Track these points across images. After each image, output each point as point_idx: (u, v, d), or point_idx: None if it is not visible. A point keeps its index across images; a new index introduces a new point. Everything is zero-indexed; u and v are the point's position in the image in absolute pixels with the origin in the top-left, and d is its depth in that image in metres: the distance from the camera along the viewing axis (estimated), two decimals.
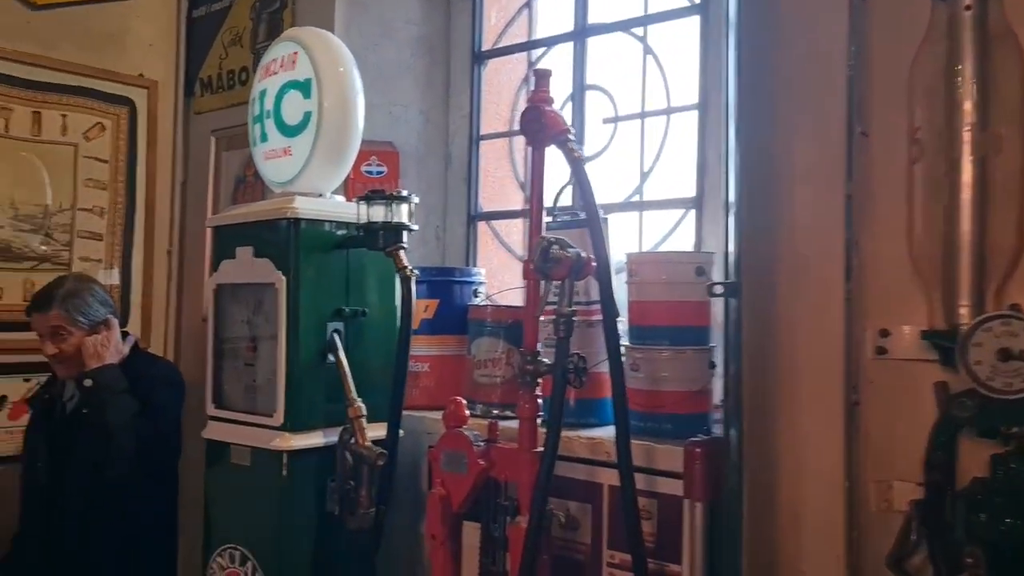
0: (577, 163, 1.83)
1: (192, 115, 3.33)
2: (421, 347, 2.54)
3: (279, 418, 2.09)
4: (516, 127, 2.97)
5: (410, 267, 2.10)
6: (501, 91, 3.00)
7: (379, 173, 2.80)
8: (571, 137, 1.85)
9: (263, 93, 2.31)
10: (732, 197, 1.57)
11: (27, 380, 2.93)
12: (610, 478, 1.99)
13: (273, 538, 2.12)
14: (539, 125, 1.87)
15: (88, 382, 2.40)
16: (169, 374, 2.63)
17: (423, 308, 2.56)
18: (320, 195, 2.25)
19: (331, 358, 2.14)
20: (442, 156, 3.02)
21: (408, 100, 2.95)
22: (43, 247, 2.99)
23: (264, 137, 2.31)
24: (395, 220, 2.10)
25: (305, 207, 2.13)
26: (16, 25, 2.93)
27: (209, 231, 2.38)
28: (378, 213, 2.11)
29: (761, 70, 1.62)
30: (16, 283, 2.89)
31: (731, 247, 1.55)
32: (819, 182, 1.56)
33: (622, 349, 1.89)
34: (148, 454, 2.41)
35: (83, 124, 3.08)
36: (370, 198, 2.11)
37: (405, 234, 2.13)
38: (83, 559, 2.42)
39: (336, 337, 2.16)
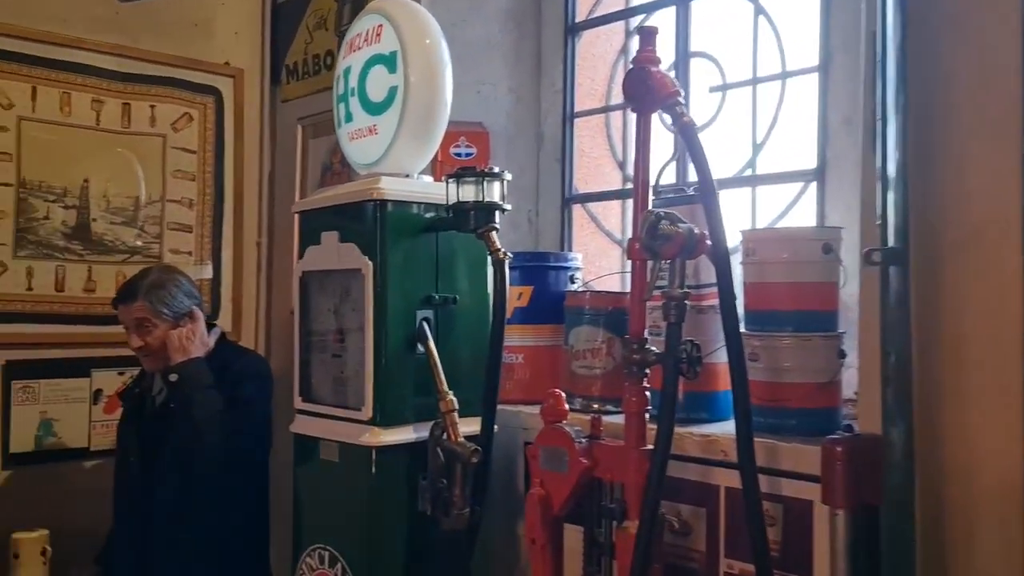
0: (688, 128, 1.65)
1: (278, 103, 3.27)
2: (515, 337, 2.39)
3: (367, 412, 1.97)
4: (613, 102, 2.80)
5: (503, 249, 1.94)
6: (596, 65, 2.82)
7: (468, 155, 2.66)
8: (680, 100, 1.67)
9: (347, 70, 2.20)
10: (891, 158, 1.35)
11: (121, 374, 2.92)
12: (727, 479, 1.80)
13: (362, 539, 2.00)
14: (645, 88, 1.69)
15: (173, 377, 2.34)
16: (257, 366, 2.55)
17: (516, 296, 2.41)
18: (407, 176, 2.12)
19: (420, 348, 2.01)
20: (534, 136, 2.86)
21: (497, 78, 2.80)
22: (135, 240, 2.97)
23: (349, 117, 2.20)
24: (486, 199, 1.95)
25: (392, 188, 2.00)
26: (106, 17, 2.92)
27: (296, 217, 2.28)
28: (468, 192, 1.97)
29: (925, 11, 1.39)
30: (109, 276, 2.88)
31: (891, 214, 1.32)
32: (991, 138, 1.32)
33: None
34: (236, 448, 2.34)
35: (171, 115, 3.05)
36: (460, 176, 1.97)
37: (498, 214, 1.97)
38: (174, 554, 2.36)
39: (425, 326, 2.03)
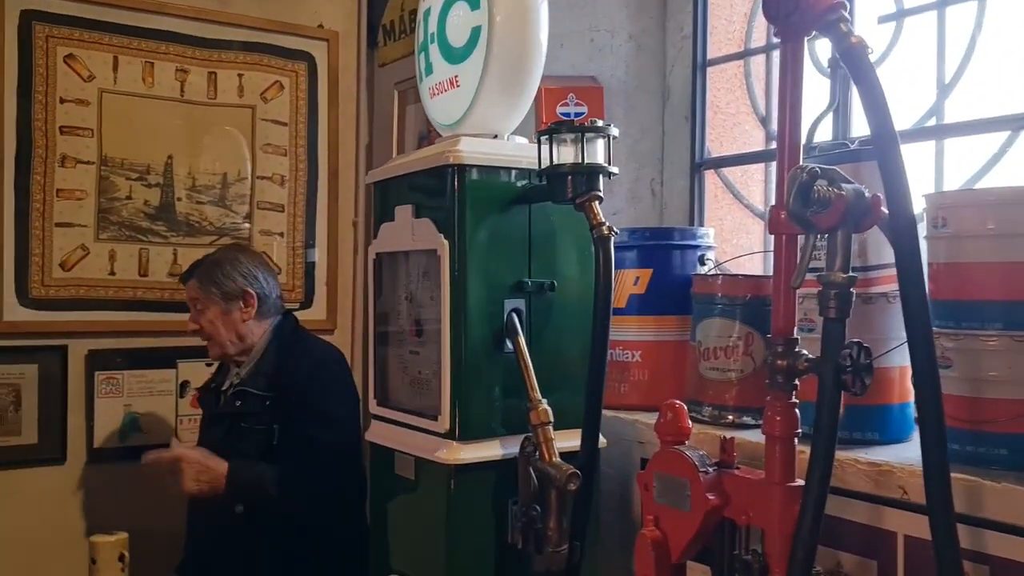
0: (856, 53, 1.19)
1: (375, 68, 2.97)
2: (631, 330, 2.01)
3: (444, 422, 1.63)
4: (753, 45, 2.32)
5: (607, 223, 1.54)
6: (733, 2, 2.35)
7: (579, 115, 2.26)
8: (844, 14, 1.21)
9: (427, 13, 1.86)
10: None
11: (209, 365, 2.71)
12: (907, 525, 1.38)
13: (441, 569, 1.67)
14: (794, 4, 1.25)
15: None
16: (330, 370, 2.25)
17: (632, 280, 2.02)
18: (494, 136, 1.75)
19: (509, 346, 1.65)
20: (658, 91, 2.42)
21: (614, 23, 2.38)
22: (223, 220, 2.76)
23: (429, 68, 1.85)
24: (587, 161, 1.55)
25: (473, 151, 1.65)
26: None
27: (372, 190, 1.96)
28: (567, 153, 1.58)
29: None
30: (194, 259, 2.67)
31: None
32: None
33: None
34: (327, 467, 2.08)
35: (260, 84, 2.81)
36: (554, 132, 1.58)
37: (601, 180, 1.57)
38: (251, 567, 2.12)
39: (515, 318, 1.66)
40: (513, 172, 1.68)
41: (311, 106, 2.90)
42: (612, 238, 1.53)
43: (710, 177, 2.34)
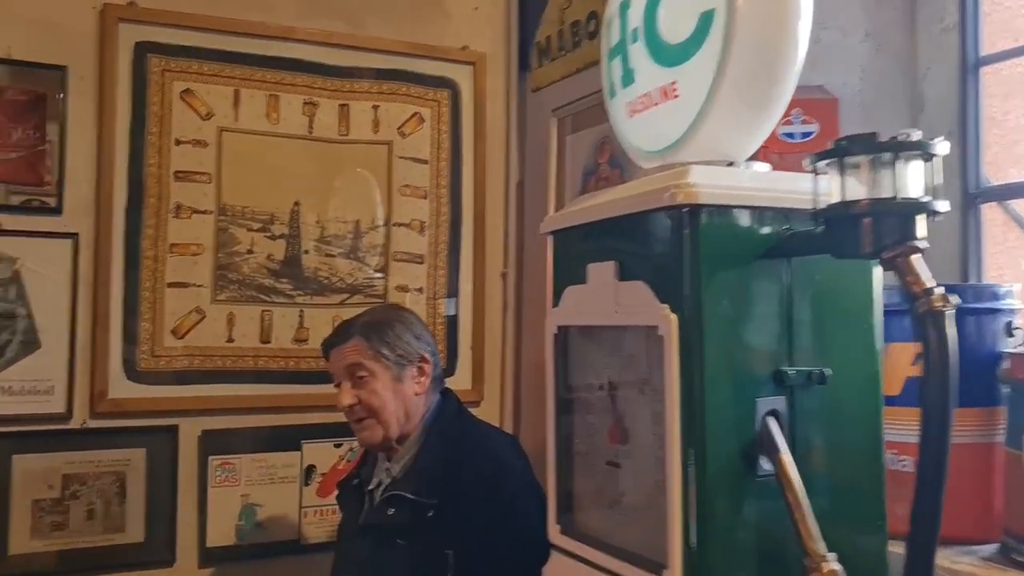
0: None
1: (527, 93, 2.53)
2: (907, 427, 1.45)
3: None
4: None
5: (939, 289, 0.99)
6: None
7: (806, 135, 1.73)
8: None
9: (624, 5, 1.38)
10: None
11: (337, 446, 2.31)
12: None
13: None
14: None
15: (391, 511, 1.68)
16: (519, 475, 1.76)
17: (908, 358, 1.46)
18: (730, 164, 1.25)
19: (766, 466, 1.12)
20: (906, 100, 1.86)
21: (846, 19, 1.85)
22: (355, 275, 2.36)
23: (628, 77, 1.37)
24: (901, 195, 1.02)
25: (710, 184, 1.14)
26: (319, 1, 2.35)
27: (548, 241, 1.48)
28: (856, 184, 1.05)
29: None
30: (324, 322, 2.28)
31: None
32: None
33: None
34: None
35: (397, 116, 2.42)
36: (842, 152, 1.06)
37: (923, 223, 1.03)
38: None
39: (772, 425, 1.14)
40: (763, 213, 1.17)
41: (454, 140, 2.49)
42: (947, 313, 0.98)
43: (990, 211, 1.75)
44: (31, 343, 2.04)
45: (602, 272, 1.28)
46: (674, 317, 1.13)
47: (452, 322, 2.46)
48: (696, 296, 1.13)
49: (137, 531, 2.11)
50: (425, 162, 2.45)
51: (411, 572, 1.65)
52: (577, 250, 1.37)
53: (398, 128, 2.42)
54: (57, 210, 2.06)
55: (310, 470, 2.29)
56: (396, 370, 1.76)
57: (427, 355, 1.80)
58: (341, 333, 1.79)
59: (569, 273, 1.38)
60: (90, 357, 2.08)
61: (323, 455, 2.30)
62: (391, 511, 1.69)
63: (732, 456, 1.13)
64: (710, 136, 1.24)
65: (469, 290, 2.48)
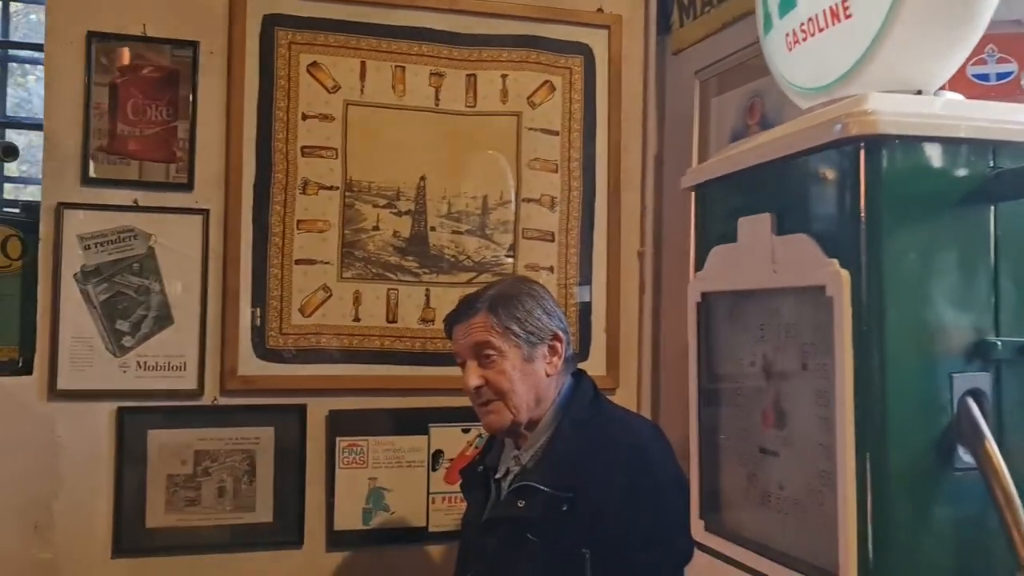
0: None
1: (667, 57, 2.35)
2: None
3: None
4: None
5: None
6: None
7: (1002, 76, 1.47)
8: None
9: None
10: None
11: (466, 431, 2.22)
12: None
13: None
14: None
15: (521, 503, 1.55)
16: (666, 468, 1.59)
17: None
18: (917, 92, 1.04)
19: (965, 457, 0.91)
20: None
21: None
22: (482, 253, 2.25)
23: (788, 2, 1.17)
24: None
25: (892, 112, 0.94)
26: None
27: (691, 199, 1.31)
28: None
29: None
30: (451, 301, 2.14)
31: None
32: None
33: None
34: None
35: (527, 85, 2.30)
36: None
37: None
38: None
39: (973, 407, 0.92)
40: (967, 150, 0.95)
41: (587, 110, 2.34)
42: None
43: None
44: (165, 319, 2.05)
45: (756, 226, 1.09)
46: (845, 274, 0.94)
47: (585, 304, 2.31)
48: (875, 248, 0.93)
49: (266, 511, 2.09)
50: (556, 133, 2.31)
51: (543, 571, 1.51)
52: (725, 204, 1.19)
53: (528, 98, 2.30)
54: (189, 186, 2.07)
55: (437, 455, 2.20)
56: (526, 349, 1.62)
57: (560, 333, 1.66)
58: (466, 307, 1.67)
59: (715, 231, 1.20)
60: (220, 334, 2.07)
61: (451, 440, 2.21)
62: (521, 503, 1.55)
63: (921, 445, 0.93)
64: (889, 64, 1.03)
65: (603, 270, 2.33)
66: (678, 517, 1.48)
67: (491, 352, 1.61)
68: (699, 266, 1.23)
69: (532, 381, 1.61)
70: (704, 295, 1.22)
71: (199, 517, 2.04)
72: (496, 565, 1.58)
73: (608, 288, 2.32)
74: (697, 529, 1.22)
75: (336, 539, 2.12)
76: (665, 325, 2.32)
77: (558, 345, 1.65)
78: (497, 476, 1.68)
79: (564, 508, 1.50)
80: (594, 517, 1.49)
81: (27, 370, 1.98)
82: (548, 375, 1.63)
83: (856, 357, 0.93)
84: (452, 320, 1.69)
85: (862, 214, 0.93)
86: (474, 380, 1.62)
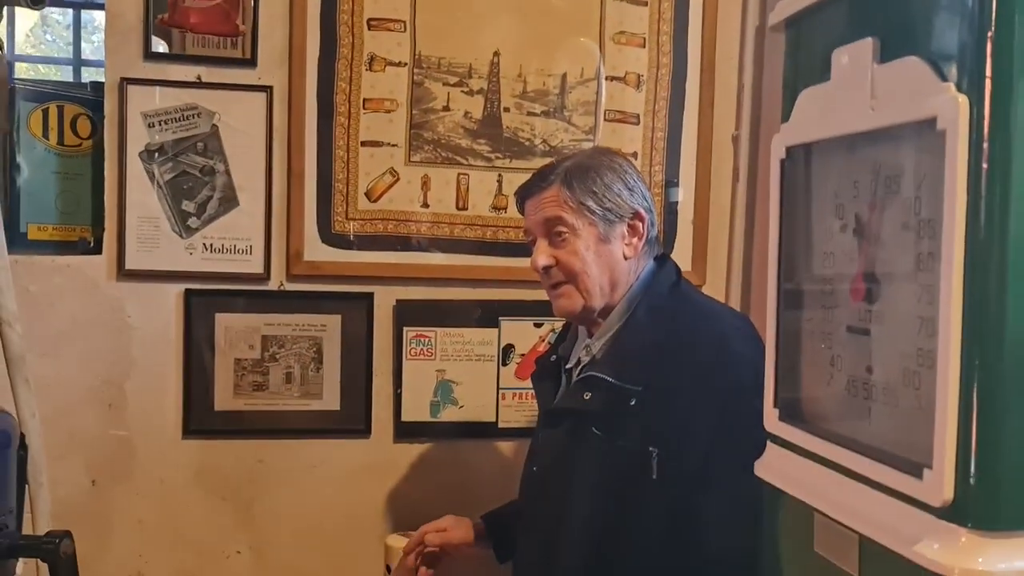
0: None
1: None
2: None
3: (942, 486, 0.76)
4: None
5: None
6: None
7: None
8: None
9: None
10: None
11: (538, 326, 2.11)
12: None
13: None
14: None
15: (587, 395, 1.43)
16: (757, 366, 1.42)
17: None
18: None
19: None
20: None
21: None
22: (559, 136, 2.09)
23: None
24: None
25: None
26: None
27: (782, 38, 1.11)
28: None
29: None
30: None
31: None
32: None
33: None
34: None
35: None
36: None
37: None
38: None
39: None
40: None
41: None
42: None
43: None
44: (230, 200, 1.99)
45: (854, 56, 0.90)
46: (963, 100, 0.75)
47: (671, 193, 2.13)
48: (1004, 67, 0.74)
49: (333, 399, 2.05)
50: (644, 4, 2.10)
51: (606, 469, 1.39)
52: (819, 36, 1.00)
53: None
54: (252, 62, 1.98)
55: (508, 350, 2.10)
56: (602, 227, 1.46)
57: (641, 211, 1.49)
58: (539, 179, 1.52)
59: (806, 71, 1.01)
60: (286, 217, 2.01)
61: (522, 334, 2.10)
62: (587, 395, 1.43)
63: None
64: None
65: (692, 156, 2.13)
66: (759, 427, 1.34)
67: (563, 230, 1.47)
68: (785, 115, 1.05)
69: (607, 263, 1.47)
70: (789, 150, 1.04)
71: (266, 402, 2.02)
72: (559, 458, 1.48)
73: (697, 176, 2.13)
74: (771, 419, 1.07)
75: (403, 430, 2.07)
76: (760, 218, 2.12)
77: (639, 225, 1.49)
78: (568, 366, 1.56)
79: (632, 403, 1.37)
80: (666, 415, 1.36)
81: (98, 250, 1.98)
82: (626, 257, 1.48)
83: (971, 207, 0.75)
84: (523, 193, 1.56)
85: (985, 26, 0.74)
86: (543, 260, 1.49)
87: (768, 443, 1.09)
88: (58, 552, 1.35)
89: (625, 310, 1.49)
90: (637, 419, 1.36)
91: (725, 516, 1.29)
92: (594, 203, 1.45)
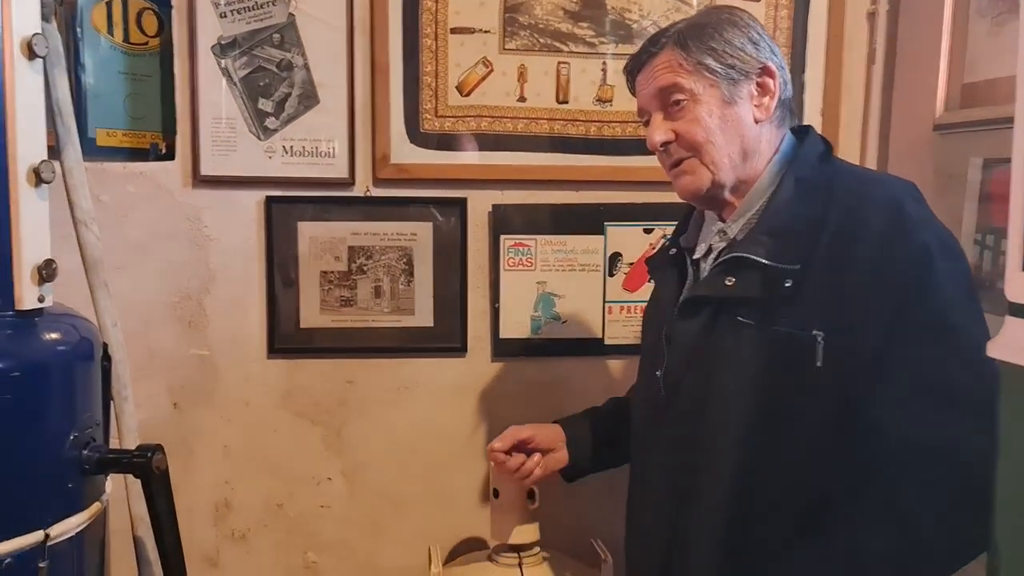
0: None
1: None
2: None
3: None
4: None
5: None
6: None
7: None
8: None
9: None
10: None
11: (648, 232, 1.91)
12: None
13: None
14: None
15: (730, 280, 1.23)
16: (931, 227, 1.17)
17: None
18: None
19: None
20: None
21: None
22: (671, 15, 1.86)
23: None
24: None
25: None
26: None
27: None
28: None
29: None
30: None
31: None
32: None
33: None
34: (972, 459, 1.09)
35: None
36: None
37: None
38: (730, 547, 1.24)
39: None
40: None
41: None
42: None
43: None
44: (310, 98, 1.82)
45: None
46: None
47: (797, 76, 1.89)
48: None
49: (426, 314, 1.89)
50: None
51: (759, 360, 1.19)
52: None
53: None
54: None
55: (615, 258, 1.91)
56: (726, 88, 1.24)
57: (771, 65, 1.25)
58: (649, 45, 1.29)
59: None
60: (370, 116, 1.83)
61: (630, 241, 1.91)
62: (730, 280, 1.23)
63: None
64: None
65: (822, 35, 1.89)
66: (958, 296, 1.14)
67: (680, 96, 1.25)
68: None
69: (736, 129, 1.25)
70: None
71: (355, 318, 1.87)
72: (697, 353, 1.27)
73: (828, 58, 1.89)
74: (1015, 285, 0.86)
75: (502, 347, 1.91)
76: (898, 105, 1.87)
77: (769, 81, 1.25)
78: (696, 257, 1.36)
79: (787, 284, 1.17)
80: (828, 294, 1.14)
81: (170, 156, 1.83)
82: (757, 121, 1.25)
83: None
84: (633, 65, 1.33)
85: None
86: (659, 135, 1.27)
87: (1008, 317, 0.88)
88: (150, 466, 1.22)
89: (768, 184, 1.27)
90: (793, 302, 1.16)
91: (918, 398, 1.09)
92: (714, 61, 1.23)
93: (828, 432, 1.16)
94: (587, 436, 1.59)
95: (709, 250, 1.33)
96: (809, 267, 1.16)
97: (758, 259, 1.19)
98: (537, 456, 1.55)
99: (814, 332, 1.14)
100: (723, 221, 1.32)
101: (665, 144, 1.27)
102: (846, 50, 1.89)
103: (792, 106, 1.32)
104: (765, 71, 1.25)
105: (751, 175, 1.27)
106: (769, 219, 1.23)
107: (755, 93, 1.25)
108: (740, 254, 1.22)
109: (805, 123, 1.39)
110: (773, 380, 1.18)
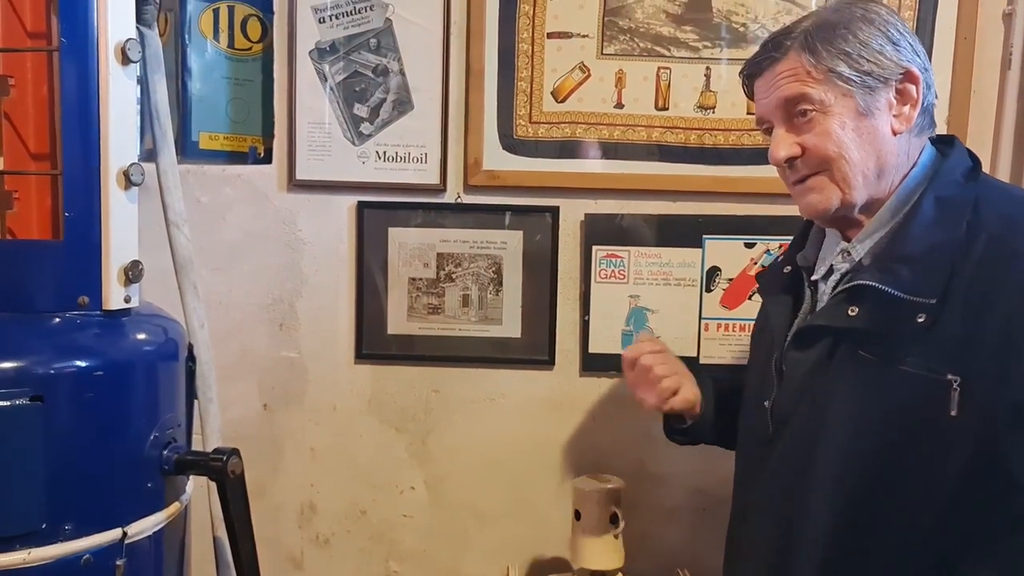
0: None
1: None
2: None
3: None
4: None
5: None
6: None
7: None
8: None
9: None
10: None
11: (750, 246, 1.81)
12: None
13: None
14: None
15: (853, 310, 1.13)
16: None
17: None
18: None
19: None
20: None
21: None
22: (780, 19, 1.76)
23: None
24: None
25: None
26: None
27: None
28: None
29: None
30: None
31: None
32: None
33: None
34: None
35: None
36: None
37: None
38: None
39: None
40: None
41: None
42: None
43: None
44: (404, 103, 1.81)
45: None
46: None
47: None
48: None
49: (514, 325, 1.85)
50: None
51: (881, 402, 1.08)
52: None
53: None
54: None
55: (713, 273, 1.82)
56: (861, 97, 1.12)
57: (914, 69, 1.13)
58: (771, 48, 1.19)
59: None
60: (464, 121, 1.80)
61: (730, 255, 1.81)
62: (853, 310, 1.12)
63: None
64: None
65: (950, 37, 1.74)
66: None
67: (808, 107, 1.14)
68: None
69: (872, 143, 1.13)
70: None
71: (442, 326, 1.85)
72: (811, 387, 1.17)
73: (956, 62, 1.74)
74: None
75: (591, 362, 1.84)
76: None
77: (911, 88, 1.13)
78: (815, 277, 1.25)
79: (920, 319, 1.05)
80: (969, 335, 1.02)
81: (267, 159, 1.85)
82: (895, 132, 1.13)
83: None
84: (751, 69, 1.23)
85: None
86: (784, 150, 1.16)
87: None
88: (226, 469, 1.22)
89: (903, 202, 1.14)
90: (926, 340, 1.05)
91: None
92: (847, 67, 1.12)
93: (957, 486, 1.04)
94: (711, 402, 1.45)
95: (830, 271, 1.22)
96: (947, 302, 1.04)
97: (887, 289, 1.08)
98: (679, 377, 1.42)
99: (949, 376, 1.02)
100: (847, 240, 1.21)
101: (790, 160, 1.18)
102: (977, 53, 1.74)
103: (934, 113, 1.20)
104: (907, 76, 1.13)
105: (885, 192, 1.16)
106: (903, 244, 1.11)
107: (894, 102, 1.14)
108: (866, 282, 1.11)
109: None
110: (896, 425, 1.07)
